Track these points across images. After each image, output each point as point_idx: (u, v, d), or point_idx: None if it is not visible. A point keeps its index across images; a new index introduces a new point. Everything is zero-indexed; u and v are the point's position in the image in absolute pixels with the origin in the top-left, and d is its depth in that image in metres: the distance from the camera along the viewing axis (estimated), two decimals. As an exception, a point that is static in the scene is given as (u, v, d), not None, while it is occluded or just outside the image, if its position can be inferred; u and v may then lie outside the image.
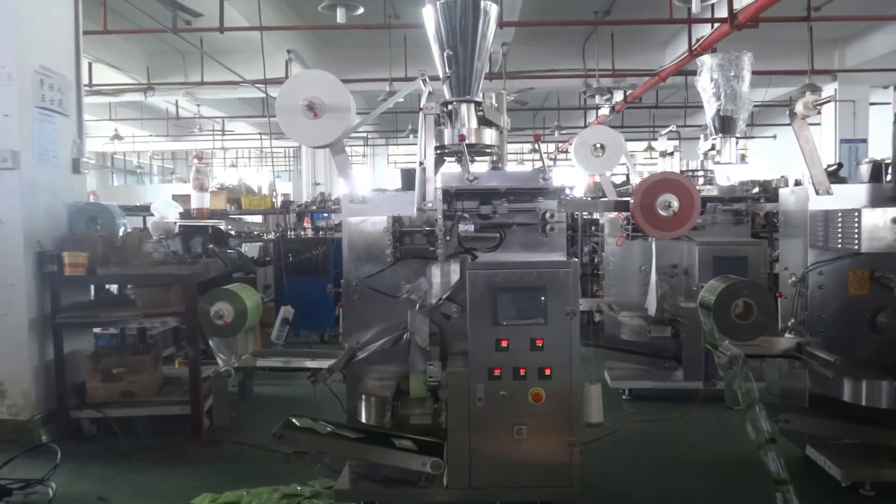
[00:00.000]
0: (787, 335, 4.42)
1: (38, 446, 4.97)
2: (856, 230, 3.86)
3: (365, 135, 22.83)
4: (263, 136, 16.04)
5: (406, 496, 3.87)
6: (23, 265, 5.15)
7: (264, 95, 12.15)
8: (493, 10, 4.01)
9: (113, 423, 5.21)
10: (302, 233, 10.05)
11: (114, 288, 6.71)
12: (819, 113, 4.33)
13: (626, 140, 5.77)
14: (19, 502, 4.20)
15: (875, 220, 3.84)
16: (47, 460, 4.60)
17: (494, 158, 4.21)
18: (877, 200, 4.24)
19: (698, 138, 7.64)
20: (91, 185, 18.68)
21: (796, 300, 4.41)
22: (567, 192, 3.93)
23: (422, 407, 3.82)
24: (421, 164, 3.72)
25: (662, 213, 3.80)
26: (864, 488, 4.04)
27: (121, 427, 5.22)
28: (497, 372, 3.66)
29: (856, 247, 3.87)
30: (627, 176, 8.96)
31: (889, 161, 4.48)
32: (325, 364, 3.91)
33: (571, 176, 12.08)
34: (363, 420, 3.91)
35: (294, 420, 4.03)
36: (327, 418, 4.21)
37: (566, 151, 19.73)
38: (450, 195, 3.80)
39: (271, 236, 9.89)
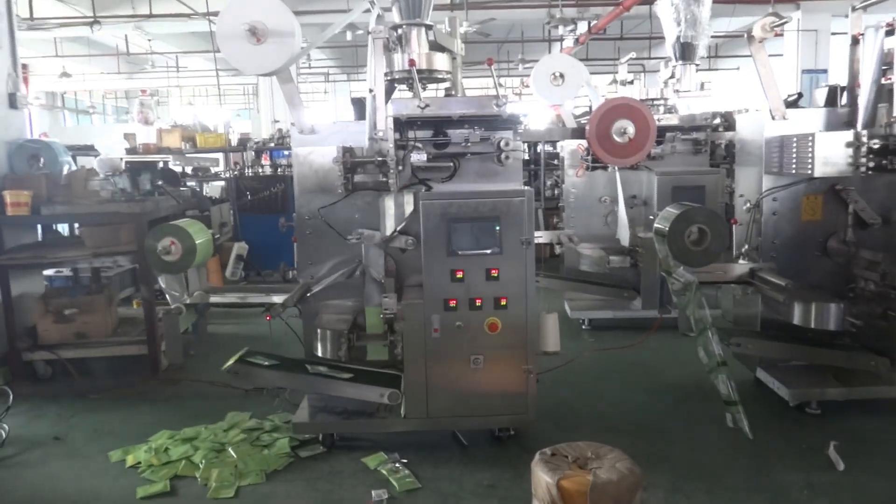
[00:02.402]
0: (740, 261, 4.47)
1: (-11, 389, 4.88)
2: (810, 155, 3.86)
3: (326, 71, 22.19)
4: (221, 72, 15.46)
5: (364, 427, 3.91)
6: (-40, 205, 4.93)
7: (215, 29, 11.65)
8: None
9: (68, 364, 5.13)
10: (260, 170, 9.83)
11: (65, 229, 6.53)
12: (778, 35, 4.27)
13: (591, 74, 5.66)
14: (-28, 445, 4.14)
15: (829, 145, 3.84)
16: (0, 403, 4.51)
17: (448, 86, 4.09)
18: (832, 125, 4.24)
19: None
20: (43, 126, 17.97)
21: (750, 227, 4.45)
22: (521, 119, 3.84)
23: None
24: (371, 91, 3.59)
25: (618, 139, 3.75)
26: (810, 407, 4.17)
27: (77, 368, 5.15)
28: (453, 303, 3.65)
29: (809, 171, 3.88)
30: (591, 107, 8.87)
31: (845, 86, 4.46)
32: (279, 299, 3.86)
33: (535, 109, 11.93)
34: (319, 354, 3.90)
35: (250, 356, 3.99)
36: (286, 354, 4.19)
37: (529, 85, 19.44)
38: (401, 124, 3.69)
39: (227, 175, 9.65)
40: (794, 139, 4.03)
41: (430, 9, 3.85)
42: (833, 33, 13.00)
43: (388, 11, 3.94)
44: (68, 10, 12.52)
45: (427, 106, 3.60)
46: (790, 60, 13.21)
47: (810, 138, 3.86)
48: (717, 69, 20.49)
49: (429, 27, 3.87)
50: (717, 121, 6.56)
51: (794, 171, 4.06)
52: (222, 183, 10.23)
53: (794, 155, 4.02)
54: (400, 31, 3.86)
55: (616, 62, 18.43)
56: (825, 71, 12.87)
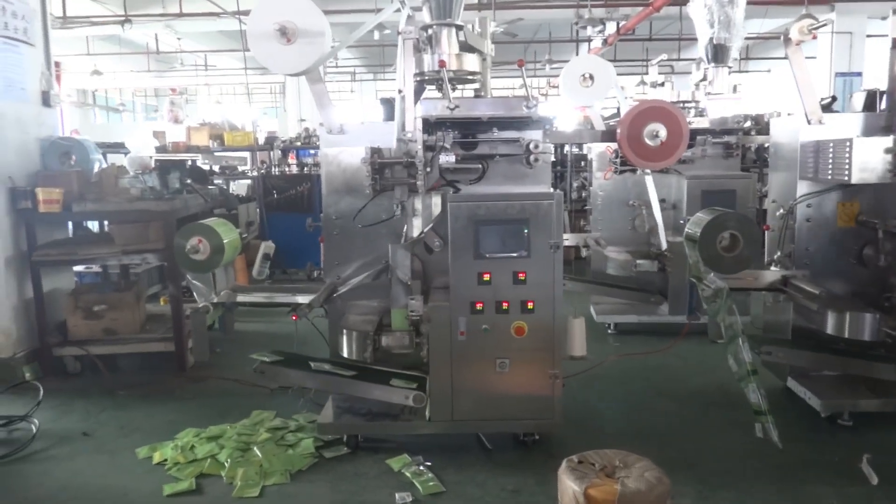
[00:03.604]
0: (772, 268, 4.38)
1: (20, 384, 4.94)
2: (847, 161, 3.77)
3: (352, 70, 22.27)
4: (249, 71, 15.56)
5: (388, 429, 3.89)
6: (-5, 202, 5.01)
7: (244, 27, 11.73)
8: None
9: (97, 360, 5.19)
10: (287, 169, 9.88)
11: (95, 226, 6.61)
12: (815, 38, 4.17)
13: (619, 74, 5.59)
14: (2, 439, 4.19)
15: (867, 150, 3.74)
16: (31, 398, 4.57)
17: (477, 86, 4.06)
18: (870, 130, 4.13)
19: (691, 72, 7.43)
20: (74, 124, 18.27)
21: (783, 233, 4.36)
22: (552, 121, 3.80)
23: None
24: (400, 91, 3.58)
25: (649, 142, 3.69)
26: (842, 418, 4.08)
27: (105, 364, 5.20)
28: (479, 305, 3.62)
29: (846, 178, 3.79)
30: (619, 109, 8.78)
31: (884, 90, 4.35)
32: (305, 299, 3.86)
33: (562, 110, 11.84)
34: (345, 355, 3.89)
35: (275, 355, 4.00)
36: (311, 354, 4.19)
37: (557, 86, 19.28)
38: (430, 125, 3.67)
39: (254, 173, 9.71)
40: (831, 144, 3.93)
41: (461, 9, 3.83)
42: (868, 35, 12.75)
43: (419, 11, 3.93)
44: (100, 9, 12.71)
45: (457, 107, 3.57)
46: (823, 63, 12.96)
47: (847, 143, 3.76)
48: (747, 71, 20.21)
49: (459, 27, 3.85)
50: (748, 124, 6.44)
51: (829, 177, 3.97)
52: (249, 181, 10.31)
53: (831, 160, 3.93)
54: (430, 31, 3.84)
55: (644, 63, 18.30)
56: (860, 74, 12.61)
